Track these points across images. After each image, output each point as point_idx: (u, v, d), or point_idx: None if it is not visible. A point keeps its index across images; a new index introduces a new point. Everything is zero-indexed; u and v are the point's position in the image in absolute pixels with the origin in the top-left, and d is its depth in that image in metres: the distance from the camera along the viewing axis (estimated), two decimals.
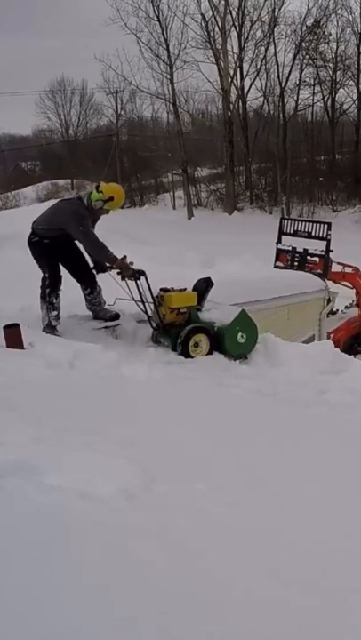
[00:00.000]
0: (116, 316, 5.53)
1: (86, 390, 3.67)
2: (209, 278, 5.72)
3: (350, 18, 29.02)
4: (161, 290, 5.51)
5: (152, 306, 5.40)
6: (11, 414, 2.81)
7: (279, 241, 10.36)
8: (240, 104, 31.10)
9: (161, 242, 17.24)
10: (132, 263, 5.24)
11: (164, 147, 34.17)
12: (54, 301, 5.30)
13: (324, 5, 28.89)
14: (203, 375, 4.64)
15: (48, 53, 69.71)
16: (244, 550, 1.88)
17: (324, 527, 2.09)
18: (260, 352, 5.45)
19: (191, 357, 5.21)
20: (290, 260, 10.07)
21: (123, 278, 5.22)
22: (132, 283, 5.23)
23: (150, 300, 5.36)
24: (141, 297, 5.30)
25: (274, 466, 2.65)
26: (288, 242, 10.25)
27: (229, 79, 28.95)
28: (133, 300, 5.30)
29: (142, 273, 5.24)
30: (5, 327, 4.50)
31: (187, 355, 5.21)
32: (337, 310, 10.65)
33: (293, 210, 29.04)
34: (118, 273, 5.21)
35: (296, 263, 9.98)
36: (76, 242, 5.34)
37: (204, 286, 5.70)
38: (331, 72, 30.12)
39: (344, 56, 29.48)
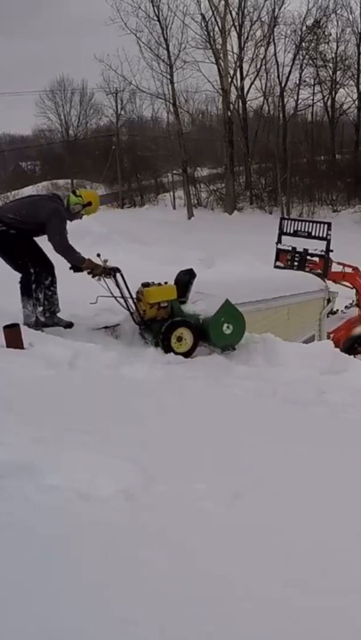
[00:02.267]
0: (70, 325, 5.38)
1: (86, 390, 3.67)
2: (191, 270, 5.63)
3: (350, 18, 29.15)
4: (142, 285, 5.44)
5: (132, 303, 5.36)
6: (11, 414, 2.81)
7: (279, 241, 10.37)
8: (240, 104, 31.13)
9: (161, 242, 17.25)
10: (105, 261, 5.23)
11: (164, 147, 34.16)
12: (40, 296, 5.25)
13: (324, 5, 29.05)
14: (203, 375, 4.64)
15: (48, 53, 69.76)
16: (245, 550, 1.88)
17: (324, 527, 2.09)
18: (260, 352, 5.44)
19: (174, 353, 5.13)
20: (290, 259, 10.08)
21: (93, 277, 5.22)
22: (111, 281, 5.21)
23: (128, 295, 5.31)
24: (122, 293, 5.25)
25: (274, 466, 2.65)
26: (288, 242, 10.26)
27: (229, 79, 28.98)
28: (113, 296, 5.26)
29: (117, 270, 5.21)
30: (5, 327, 4.50)
31: (168, 350, 5.14)
32: (337, 310, 10.65)
33: (293, 210, 29.04)
34: (89, 273, 5.22)
35: (296, 263, 9.99)
36: (36, 239, 5.32)
37: (186, 278, 5.62)
38: (331, 72, 30.17)
39: (344, 56, 29.55)
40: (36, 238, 5.32)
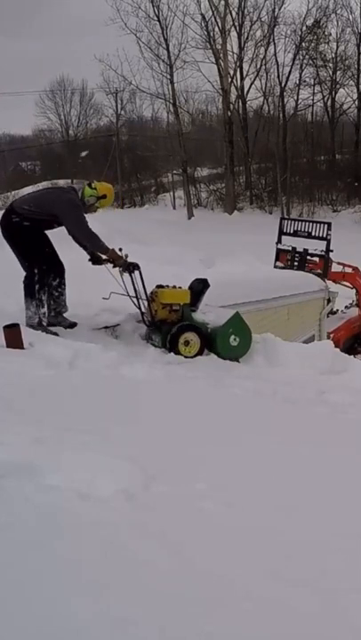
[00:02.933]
0: (74, 325, 5.39)
1: (86, 390, 3.67)
2: (206, 280, 5.68)
3: (350, 18, 29.13)
4: (156, 287, 5.48)
5: (146, 302, 5.38)
6: (11, 414, 2.81)
7: (279, 241, 10.37)
8: (240, 104, 31.13)
9: (161, 242, 17.23)
10: (126, 256, 5.22)
11: (164, 147, 34.16)
12: (43, 297, 5.21)
13: (324, 5, 28.99)
14: (203, 375, 4.64)
15: (48, 53, 69.77)
16: (244, 550, 1.88)
17: (325, 527, 2.09)
18: (260, 352, 5.44)
19: (180, 355, 5.15)
20: (290, 259, 10.08)
21: (114, 267, 5.20)
22: (127, 279, 5.21)
23: (144, 295, 5.34)
24: (136, 292, 5.28)
25: (274, 466, 2.65)
26: (288, 242, 10.26)
27: (229, 79, 28.98)
28: (128, 295, 5.27)
29: (136, 266, 5.21)
30: (5, 327, 4.50)
31: (175, 351, 5.16)
32: (337, 310, 10.66)
33: (293, 210, 29.05)
34: (111, 262, 5.20)
35: (296, 263, 9.99)
36: (51, 231, 5.31)
37: (200, 287, 5.67)
38: (331, 72, 30.17)
39: (344, 56, 29.56)
40: (51, 236, 5.31)
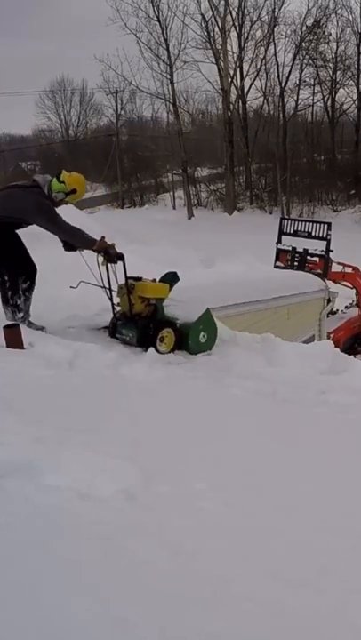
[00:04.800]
0: (41, 328, 5.06)
1: (86, 390, 3.67)
2: (175, 273, 5.44)
3: (350, 18, 29.23)
4: (130, 278, 5.18)
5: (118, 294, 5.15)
6: (11, 414, 2.80)
7: (279, 241, 10.39)
8: (240, 104, 31.18)
9: (161, 242, 17.25)
10: (113, 245, 4.94)
11: (164, 147, 34.20)
12: (18, 302, 4.93)
13: (324, 5, 29.14)
14: (203, 375, 4.64)
15: (48, 53, 69.79)
16: (244, 550, 1.88)
17: (324, 527, 2.09)
18: (260, 352, 5.44)
19: (158, 352, 4.98)
20: (290, 259, 10.10)
21: (105, 260, 4.92)
22: (102, 268, 4.97)
23: (121, 285, 5.09)
24: (109, 283, 5.03)
25: (274, 465, 2.65)
26: (288, 242, 10.28)
27: (229, 79, 29.04)
28: (102, 286, 5.03)
29: (121, 257, 4.95)
30: (5, 327, 4.50)
31: (155, 348, 4.98)
32: (337, 310, 10.68)
33: (293, 210, 29.10)
34: (103, 256, 4.90)
35: (296, 263, 10.01)
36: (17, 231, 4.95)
37: (170, 280, 5.40)
38: (331, 72, 30.23)
39: (344, 56, 29.66)
40: (22, 236, 4.99)
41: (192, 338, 5.24)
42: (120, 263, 4.99)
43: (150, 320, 5.14)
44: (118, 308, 5.28)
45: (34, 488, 2.08)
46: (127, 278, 5.07)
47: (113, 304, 5.23)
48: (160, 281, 5.40)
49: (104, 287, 5.08)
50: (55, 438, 2.49)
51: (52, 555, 1.71)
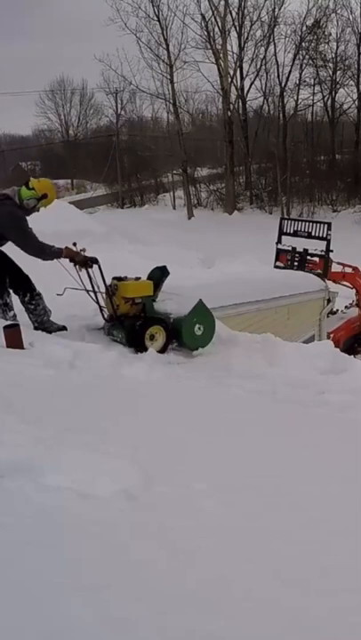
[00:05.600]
0: (63, 328, 5.19)
1: (86, 390, 3.67)
2: (165, 267, 5.41)
3: (350, 18, 29.17)
4: (114, 279, 5.21)
5: (105, 296, 5.15)
6: (11, 414, 2.80)
7: (279, 241, 10.38)
8: (240, 104, 31.15)
9: (161, 242, 17.26)
10: (83, 250, 5.00)
11: (164, 147, 34.19)
12: (8, 301, 5.05)
13: (324, 5, 29.01)
14: (203, 375, 4.64)
15: (48, 53, 69.81)
16: (244, 550, 1.88)
17: (324, 527, 2.09)
18: (260, 352, 5.44)
19: (146, 350, 4.95)
20: (290, 259, 10.09)
21: (75, 265, 4.98)
22: (83, 273, 5.01)
23: (103, 289, 5.09)
24: (93, 286, 5.04)
25: (274, 466, 2.65)
26: (288, 242, 10.27)
27: (229, 79, 29.00)
28: (85, 290, 5.05)
29: (95, 260, 5.00)
30: (5, 327, 4.50)
31: (142, 348, 4.96)
32: (337, 310, 10.67)
33: (293, 210, 29.08)
34: (71, 261, 4.97)
35: (296, 263, 10.00)
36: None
37: (158, 275, 5.38)
38: (331, 72, 30.20)
39: (344, 56, 29.62)
40: (3, 248, 5.05)
41: (186, 331, 5.13)
42: (96, 267, 5.03)
43: (137, 319, 5.08)
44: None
45: (34, 488, 2.08)
46: (105, 281, 5.07)
47: (100, 306, 5.22)
48: (148, 277, 5.35)
49: (88, 291, 5.08)
50: (55, 438, 2.49)
51: (52, 555, 1.71)
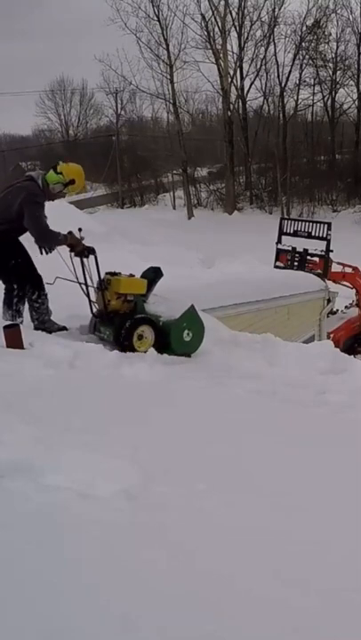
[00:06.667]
0: (63, 329, 5.10)
1: (86, 390, 3.67)
2: (159, 268, 5.26)
3: (350, 18, 29.20)
4: (108, 274, 5.02)
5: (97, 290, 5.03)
6: (11, 414, 2.80)
7: (279, 241, 10.39)
8: (240, 104, 31.16)
9: (161, 242, 17.26)
10: (82, 238, 4.87)
11: (164, 147, 34.18)
12: (21, 309, 4.97)
13: (324, 5, 29.03)
14: (203, 375, 4.64)
15: (48, 53, 69.82)
16: (244, 550, 1.88)
17: (324, 527, 2.09)
18: (260, 352, 5.44)
19: (134, 351, 4.82)
20: (290, 259, 10.10)
21: (72, 253, 4.86)
22: (78, 265, 4.89)
23: (96, 282, 4.96)
24: (85, 279, 4.92)
25: (274, 466, 2.65)
26: (288, 242, 10.28)
27: (229, 79, 29.02)
28: (78, 282, 4.92)
29: (92, 251, 4.88)
30: (5, 327, 4.50)
31: (129, 348, 4.83)
32: (337, 310, 10.68)
33: (293, 210, 29.09)
34: (70, 250, 4.85)
35: (296, 263, 10.01)
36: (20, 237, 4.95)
37: (152, 276, 5.23)
38: (331, 72, 30.21)
39: (344, 56, 29.64)
40: (25, 243, 4.99)
41: (174, 336, 4.99)
42: (92, 258, 4.91)
43: (127, 317, 4.94)
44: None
45: (34, 488, 2.08)
46: (100, 274, 4.91)
47: (90, 300, 5.07)
48: (141, 276, 5.21)
49: (80, 283, 4.95)
50: (55, 438, 2.49)
51: (52, 555, 1.71)
